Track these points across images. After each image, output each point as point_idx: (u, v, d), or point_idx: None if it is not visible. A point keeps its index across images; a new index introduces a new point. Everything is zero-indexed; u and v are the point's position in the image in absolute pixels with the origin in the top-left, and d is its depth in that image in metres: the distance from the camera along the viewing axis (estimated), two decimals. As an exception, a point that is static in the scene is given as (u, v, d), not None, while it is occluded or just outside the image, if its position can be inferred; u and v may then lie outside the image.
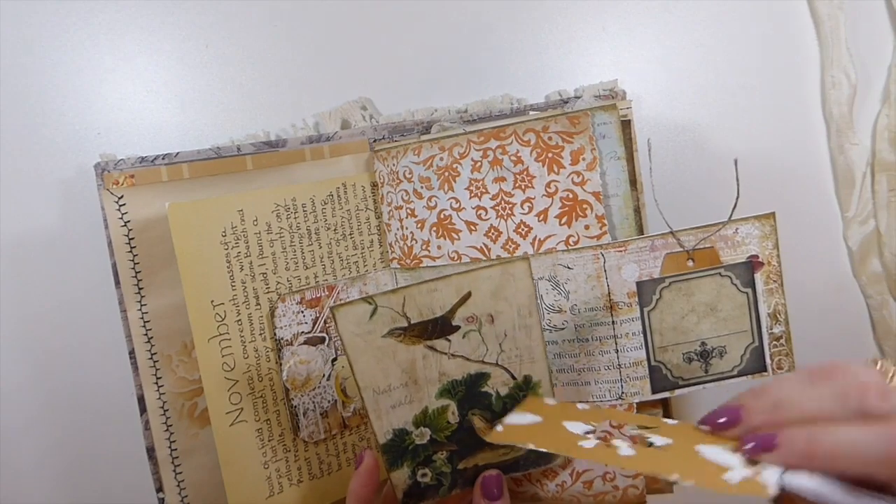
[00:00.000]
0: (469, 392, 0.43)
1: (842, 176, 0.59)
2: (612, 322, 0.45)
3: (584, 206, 0.45)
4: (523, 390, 0.43)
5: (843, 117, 0.59)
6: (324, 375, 0.50)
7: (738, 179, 0.44)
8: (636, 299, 0.44)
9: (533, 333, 0.42)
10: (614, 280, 0.44)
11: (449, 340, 0.42)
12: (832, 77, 0.59)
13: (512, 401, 0.43)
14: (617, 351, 0.45)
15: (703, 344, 0.45)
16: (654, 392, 0.45)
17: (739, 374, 0.46)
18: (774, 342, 0.45)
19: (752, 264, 0.45)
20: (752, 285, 0.45)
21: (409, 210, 0.50)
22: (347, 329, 0.41)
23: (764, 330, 0.45)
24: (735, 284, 0.45)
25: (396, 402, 0.43)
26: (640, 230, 0.47)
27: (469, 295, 0.41)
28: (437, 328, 0.42)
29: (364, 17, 0.55)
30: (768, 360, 0.45)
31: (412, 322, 0.41)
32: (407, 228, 0.51)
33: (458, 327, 0.42)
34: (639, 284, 0.44)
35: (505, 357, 0.42)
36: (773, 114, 0.59)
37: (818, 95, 0.60)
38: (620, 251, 0.44)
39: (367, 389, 0.42)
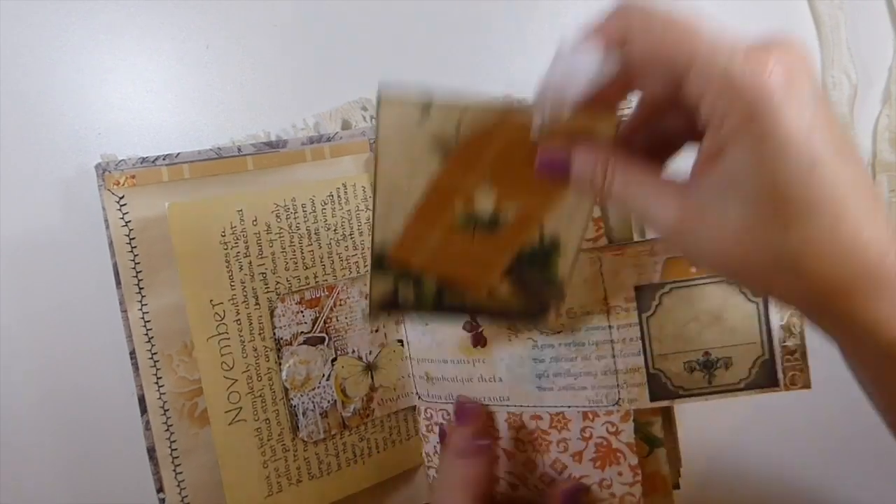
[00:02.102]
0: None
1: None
2: (609, 327, 0.44)
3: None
4: (549, 252, 0.40)
5: (843, 118, 0.59)
6: (323, 375, 0.50)
7: None
8: (634, 304, 0.44)
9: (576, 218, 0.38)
10: (611, 284, 0.44)
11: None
12: (832, 77, 0.59)
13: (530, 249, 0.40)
14: (614, 356, 0.45)
15: (707, 354, 0.44)
16: (652, 400, 0.45)
17: (747, 388, 0.44)
18: (788, 356, 0.43)
19: None
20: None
21: (409, 210, 0.50)
22: (391, 120, 0.36)
23: (776, 342, 0.43)
24: (744, 293, 0.43)
25: (409, 206, 0.39)
26: (641, 233, 0.46)
27: None
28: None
29: (364, 18, 0.55)
30: (780, 375, 0.43)
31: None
32: (407, 228, 0.51)
33: None
34: (637, 289, 0.43)
35: None
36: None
37: (818, 96, 0.60)
38: (618, 255, 0.43)
39: (383, 179, 0.38)
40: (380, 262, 0.42)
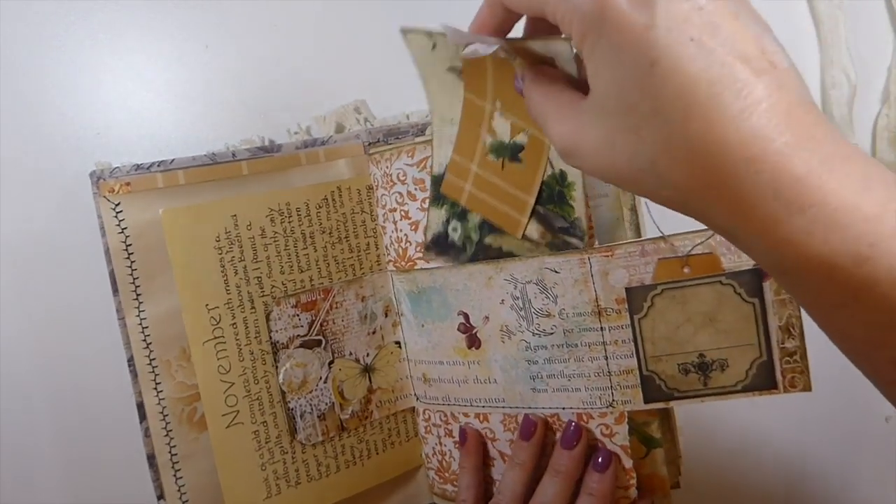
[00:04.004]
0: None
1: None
2: (601, 328, 0.44)
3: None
4: (559, 184, 0.43)
5: (842, 117, 0.59)
6: (321, 378, 0.50)
7: None
8: (625, 306, 0.43)
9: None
10: (601, 286, 0.43)
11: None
12: (832, 77, 0.59)
13: (547, 188, 0.44)
14: (606, 358, 0.44)
15: (702, 356, 0.43)
16: (646, 402, 0.44)
17: (745, 391, 0.43)
18: (786, 358, 0.42)
19: (762, 273, 0.41)
20: (760, 295, 0.42)
21: (402, 212, 0.51)
22: (418, 52, 0.41)
23: (774, 344, 0.42)
24: (739, 294, 0.42)
25: (454, 137, 0.45)
26: (638, 232, 0.46)
27: None
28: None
29: (358, 21, 0.56)
30: (779, 377, 0.42)
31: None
32: (401, 231, 0.51)
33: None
34: (628, 291, 0.43)
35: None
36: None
37: (818, 95, 0.60)
38: (607, 256, 0.43)
39: (435, 114, 0.45)
40: (437, 195, 0.48)
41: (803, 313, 0.40)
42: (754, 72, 0.24)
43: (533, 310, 0.46)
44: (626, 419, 0.45)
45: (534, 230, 0.45)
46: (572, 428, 0.46)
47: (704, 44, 0.24)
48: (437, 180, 0.48)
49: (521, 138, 0.44)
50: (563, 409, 0.47)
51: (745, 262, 0.41)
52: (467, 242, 0.48)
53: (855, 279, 0.24)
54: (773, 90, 0.24)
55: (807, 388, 0.42)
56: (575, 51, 0.30)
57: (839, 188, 0.23)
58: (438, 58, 0.41)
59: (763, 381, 0.42)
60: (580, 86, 0.30)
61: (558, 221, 0.44)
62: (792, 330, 0.41)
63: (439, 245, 0.49)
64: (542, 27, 0.31)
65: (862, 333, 0.26)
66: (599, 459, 0.45)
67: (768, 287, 0.41)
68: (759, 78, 0.24)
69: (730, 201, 0.25)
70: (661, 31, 0.24)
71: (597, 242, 0.44)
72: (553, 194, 0.44)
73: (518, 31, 0.33)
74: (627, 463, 0.45)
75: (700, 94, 0.24)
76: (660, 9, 0.25)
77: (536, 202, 0.45)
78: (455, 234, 0.48)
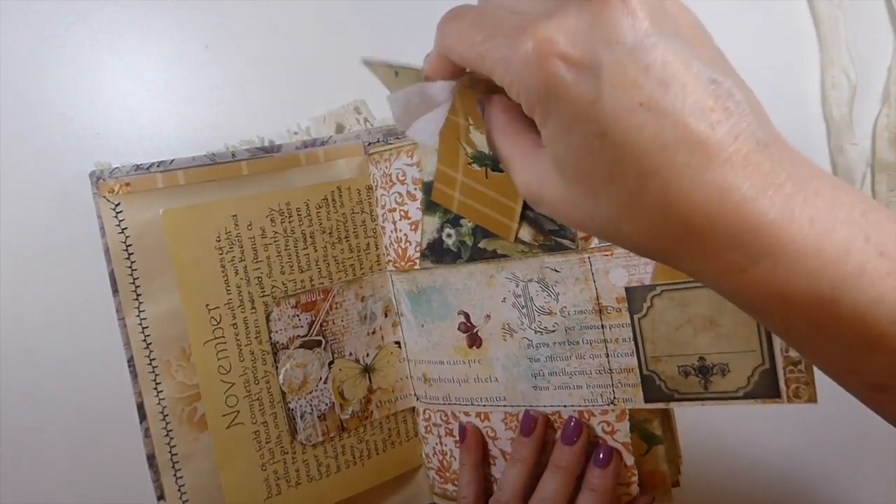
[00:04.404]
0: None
1: (842, 176, 0.59)
2: (602, 326, 0.44)
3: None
4: None
5: (842, 118, 0.59)
6: (321, 378, 0.50)
7: None
8: (626, 305, 0.43)
9: None
10: (602, 284, 0.43)
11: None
12: (832, 77, 0.59)
13: None
14: (608, 356, 0.44)
15: (702, 359, 0.42)
16: (646, 402, 0.44)
17: (746, 397, 0.42)
18: (790, 367, 0.40)
19: None
20: None
21: (402, 212, 0.51)
22: (384, 78, 0.41)
23: (777, 352, 0.40)
24: None
25: (437, 148, 0.46)
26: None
27: None
28: None
29: (358, 21, 0.56)
30: (782, 386, 0.41)
31: None
32: (401, 231, 0.51)
33: None
34: (628, 290, 0.43)
35: None
36: (772, 114, 0.58)
37: (818, 95, 0.60)
38: (607, 255, 0.43)
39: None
40: (429, 202, 0.49)
41: None
42: (708, 125, 0.23)
43: (535, 307, 0.46)
44: (628, 417, 0.45)
45: (526, 233, 0.46)
46: (573, 424, 0.46)
47: (653, 107, 0.23)
48: (428, 188, 0.49)
49: None
50: (565, 406, 0.47)
51: None
52: (462, 247, 0.48)
53: (819, 317, 0.24)
54: (729, 142, 0.23)
55: (812, 399, 0.40)
56: None
57: (799, 233, 0.23)
58: (403, 82, 0.41)
59: (765, 389, 0.41)
60: None
61: (548, 224, 0.45)
62: None
63: (435, 251, 0.49)
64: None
65: (834, 360, 0.26)
66: (601, 455, 0.45)
67: None
68: (713, 131, 0.23)
69: (692, 255, 0.25)
70: (608, 101, 0.24)
71: (596, 241, 0.44)
72: None
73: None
74: (629, 460, 0.45)
75: (653, 160, 0.24)
76: (605, 77, 0.24)
77: (525, 207, 0.45)
78: (450, 240, 0.48)
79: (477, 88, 0.33)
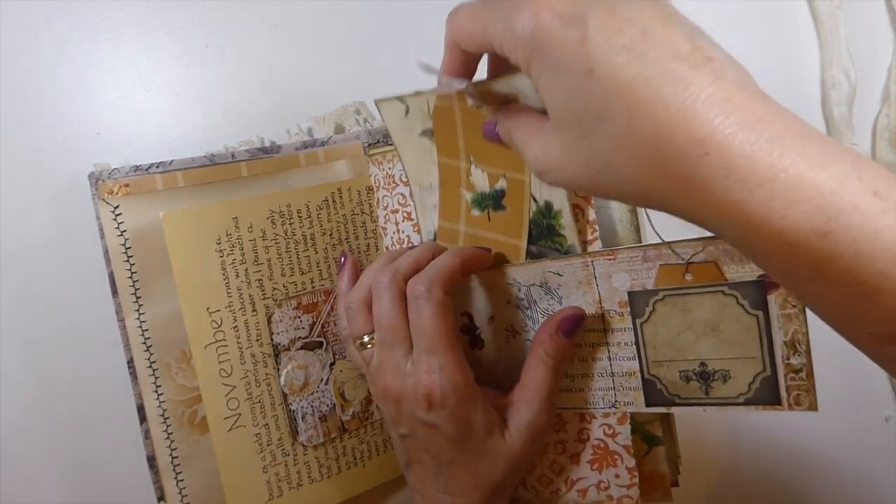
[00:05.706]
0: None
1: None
2: (605, 330, 0.44)
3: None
4: (545, 217, 0.44)
5: (842, 117, 0.59)
6: (322, 380, 0.50)
7: None
8: (628, 309, 0.43)
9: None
10: (605, 288, 0.43)
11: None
12: (832, 77, 0.59)
13: (535, 225, 0.45)
14: (609, 359, 0.44)
15: (703, 364, 0.42)
16: (647, 405, 0.44)
17: (747, 404, 0.41)
18: (792, 374, 0.40)
19: (766, 284, 0.39)
20: (764, 308, 0.40)
21: (405, 213, 0.51)
22: (392, 121, 0.45)
23: (778, 359, 0.40)
24: (742, 305, 0.40)
25: (436, 203, 0.47)
26: (637, 233, 0.46)
27: None
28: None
29: (358, 22, 0.55)
30: (783, 393, 0.40)
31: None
32: (403, 232, 0.51)
33: None
34: (630, 294, 0.43)
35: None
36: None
37: (818, 95, 0.60)
38: (610, 259, 0.43)
39: (413, 182, 0.48)
40: None
41: (810, 329, 0.39)
42: (690, 66, 0.25)
43: (539, 309, 0.46)
44: (629, 420, 0.45)
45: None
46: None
47: (637, 48, 0.26)
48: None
49: (500, 184, 0.45)
50: (566, 409, 0.47)
51: (748, 272, 0.40)
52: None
53: (818, 253, 0.24)
54: (712, 80, 0.25)
55: (812, 407, 0.40)
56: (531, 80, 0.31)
57: (792, 165, 0.24)
58: (412, 123, 0.44)
59: (766, 396, 0.41)
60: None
61: (553, 255, 0.45)
62: (798, 346, 0.40)
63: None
64: (502, 69, 0.34)
65: (837, 307, 0.26)
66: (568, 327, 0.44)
67: (773, 300, 0.39)
68: (695, 71, 0.25)
69: (686, 187, 0.26)
70: (595, 43, 0.26)
71: (600, 244, 0.44)
72: (543, 230, 0.45)
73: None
74: (630, 463, 0.45)
75: (639, 92, 0.26)
76: (591, 24, 0.26)
77: (529, 242, 0.45)
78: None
79: (482, 105, 0.36)
